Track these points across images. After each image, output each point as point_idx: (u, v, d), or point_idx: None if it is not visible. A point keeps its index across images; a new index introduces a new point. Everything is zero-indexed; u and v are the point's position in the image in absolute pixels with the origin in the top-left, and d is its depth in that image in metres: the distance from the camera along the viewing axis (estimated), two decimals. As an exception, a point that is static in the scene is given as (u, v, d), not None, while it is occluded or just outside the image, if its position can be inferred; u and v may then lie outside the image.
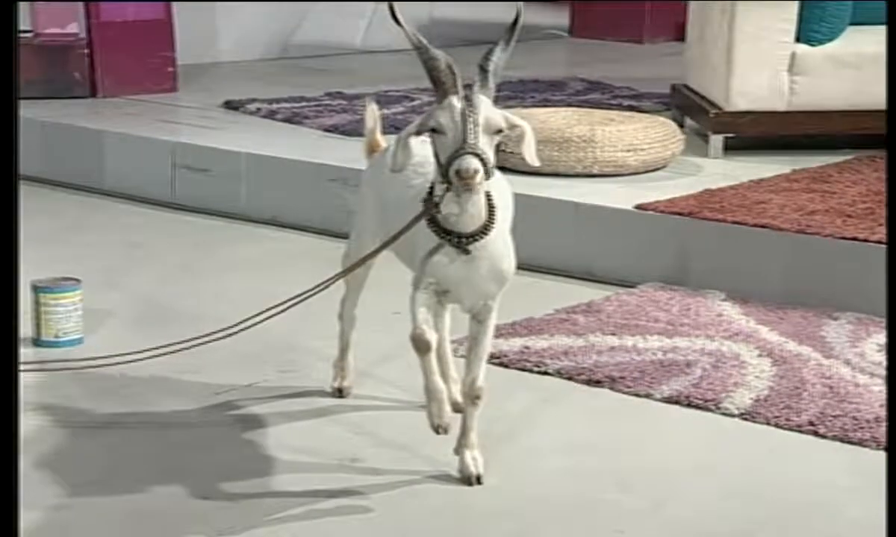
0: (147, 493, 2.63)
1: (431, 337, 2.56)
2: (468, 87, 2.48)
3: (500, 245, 2.57)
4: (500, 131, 2.49)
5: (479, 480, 2.64)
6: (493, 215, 2.52)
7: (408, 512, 2.58)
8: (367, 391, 3.12)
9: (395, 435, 2.88)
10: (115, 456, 2.80)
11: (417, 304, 2.57)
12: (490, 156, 2.46)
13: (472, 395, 2.63)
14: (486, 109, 2.47)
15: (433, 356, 2.58)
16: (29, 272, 3.55)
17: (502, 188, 2.66)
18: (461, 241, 2.52)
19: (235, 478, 2.70)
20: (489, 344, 2.64)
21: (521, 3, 2.52)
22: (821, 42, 4.73)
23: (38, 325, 3.40)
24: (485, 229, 2.52)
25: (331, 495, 2.63)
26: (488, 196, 2.53)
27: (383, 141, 2.99)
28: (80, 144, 5.18)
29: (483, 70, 2.50)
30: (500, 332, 3.41)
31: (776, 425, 2.96)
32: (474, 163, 2.41)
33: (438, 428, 2.59)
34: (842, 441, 2.87)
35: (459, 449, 2.66)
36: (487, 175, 2.45)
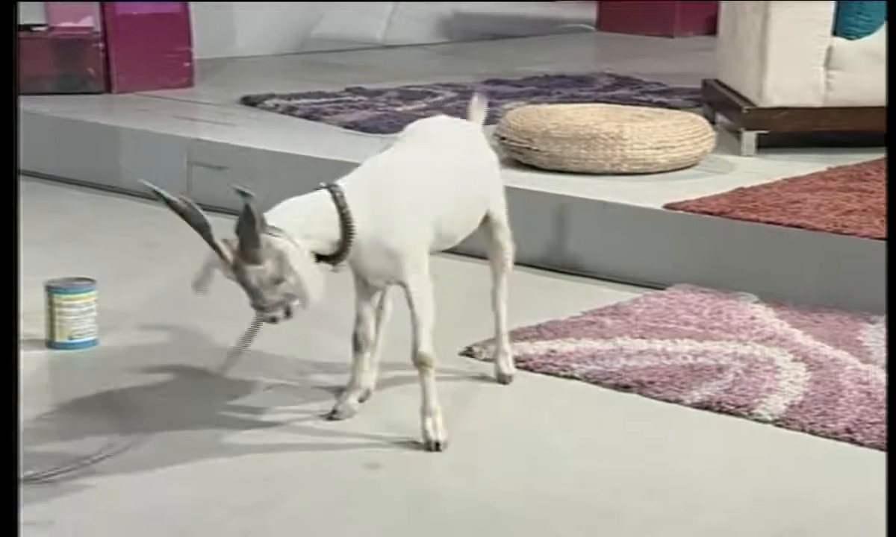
0: (163, 497, 2.64)
1: (363, 338, 2.94)
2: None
3: (378, 238, 2.77)
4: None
5: (437, 446, 2.80)
6: (350, 229, 2.74)
7: (428, 514, 2.59)
8: (389, 394, 3.13)
9: (417, 438, 2.88)
10: (132, 459, 2.81)
11: (357, 304, 2.94)
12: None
13: (416, 362, 2.84)
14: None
15: (364, 354, 2.96)
16: (42, 272, 3.58)
17: (394, 180, 2.83)
18: (329, 262, 2.78)
19: (254, 483, 2.71)
20: (422, 313, 2.82)
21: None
22: (858, 36, 4.70)
23: (51, 327, 3.42)
24: (342, 249, 2.75)
25: (351, 499, 2.63)
26: (343, 213, 2.73)
27: None
28: (95, 141, 5.21)
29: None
30: (525, 335, 3.40)
31: (811, 432, 2.94)
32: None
33: (334, 411, 2.94)
34: (879, 448, 2.86)
35: (421, 416, 2.84)
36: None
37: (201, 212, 2.68)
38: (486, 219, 3.09)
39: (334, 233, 2.74)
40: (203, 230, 2.68)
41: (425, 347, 2.81)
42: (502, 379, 3.19)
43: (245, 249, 2.64)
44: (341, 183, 2.80)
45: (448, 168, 2.95)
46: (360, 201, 2.76)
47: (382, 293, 3.04)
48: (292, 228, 2.69)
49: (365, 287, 2.93)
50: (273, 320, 2.72)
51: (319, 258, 2.77)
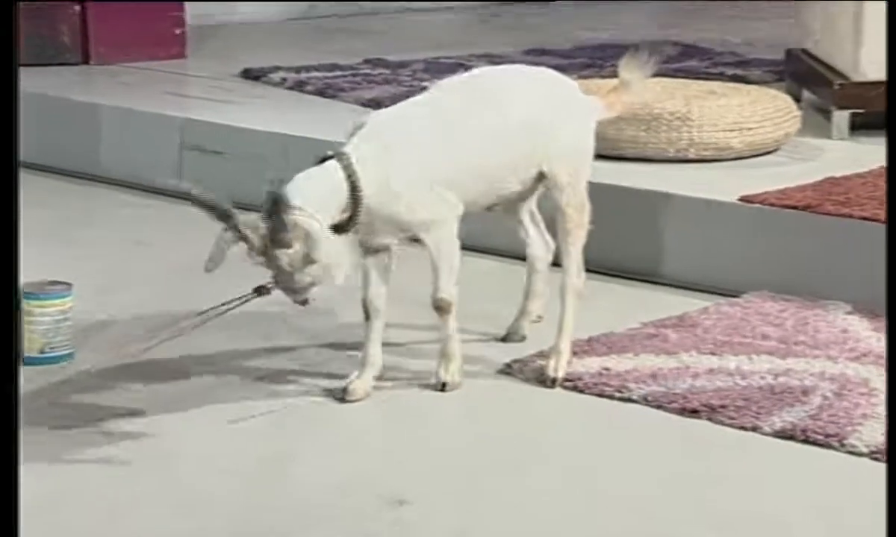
0: (166, 531, 2.67)
1: (371, 304, 3.21)
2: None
3: (381, 202, 3.10)
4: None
5: (443, 387, 3.23)
6: (358, 198, 3.08)
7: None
8: (413, 418, 3.15)
9: (444, 473, 2.90)
10: (122, 490, 2.85)
11: (363, 266, 3.21)
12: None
13: (434, 306, 3.20)
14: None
15: (375, 324, 3.22)
16: (10, 273, 3.62)
17: (392, 141, 3.14)
18: (339, 231, 3.11)
19: (255, 518, 2.74)
20: (441, 260, 3.17)
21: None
22: (971, -3, 4.69)
23: (20, 338, 3.45)
24: (351, 218, 3.09)
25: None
26: (353, 182, 3.07)
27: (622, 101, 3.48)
28: (71, 121, 5.26)
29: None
30: (574, 350, 3.42)
31: (913, 466, 2.94)
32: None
33: (346, 388, 3.20)
34: None
35: (438, 358, 3.24)
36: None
37: (224, 203, 3.00)
38: (543, 180, 3.31)
39: (346, 202, 3.09)
40: (229, 219, 2.99)
41: (443, 292, 3.18)
42: (543, 380, 3.28)
43: (274, 235, 2.98)
44: (348, 148, 3.13)
45: (471, 123, 3.21)
46: (364, 164, 3.10)
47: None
48: (312, 204, 3.04)
49: (368, 249, 3.19)
50: (304, 302, 3.10)
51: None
